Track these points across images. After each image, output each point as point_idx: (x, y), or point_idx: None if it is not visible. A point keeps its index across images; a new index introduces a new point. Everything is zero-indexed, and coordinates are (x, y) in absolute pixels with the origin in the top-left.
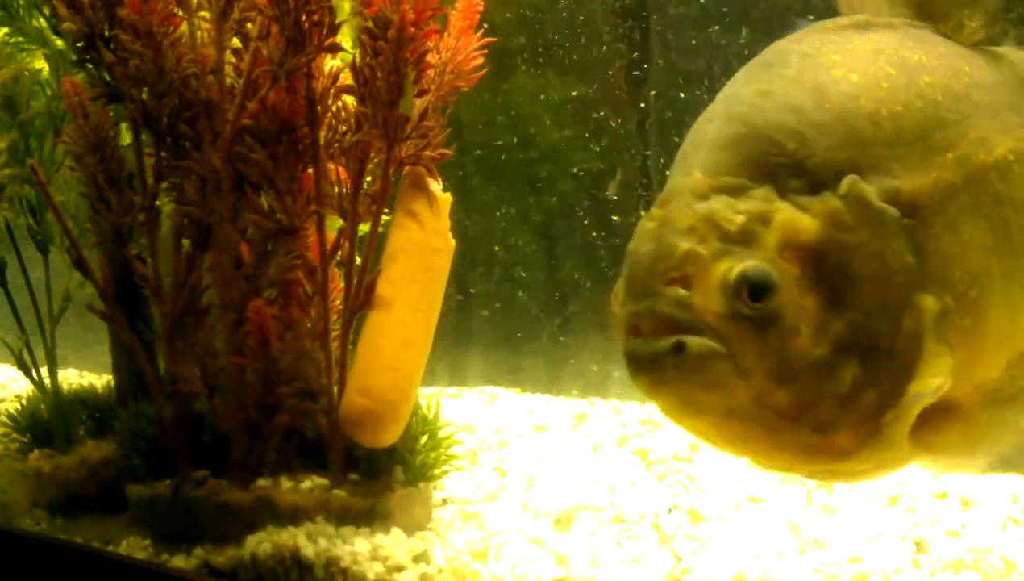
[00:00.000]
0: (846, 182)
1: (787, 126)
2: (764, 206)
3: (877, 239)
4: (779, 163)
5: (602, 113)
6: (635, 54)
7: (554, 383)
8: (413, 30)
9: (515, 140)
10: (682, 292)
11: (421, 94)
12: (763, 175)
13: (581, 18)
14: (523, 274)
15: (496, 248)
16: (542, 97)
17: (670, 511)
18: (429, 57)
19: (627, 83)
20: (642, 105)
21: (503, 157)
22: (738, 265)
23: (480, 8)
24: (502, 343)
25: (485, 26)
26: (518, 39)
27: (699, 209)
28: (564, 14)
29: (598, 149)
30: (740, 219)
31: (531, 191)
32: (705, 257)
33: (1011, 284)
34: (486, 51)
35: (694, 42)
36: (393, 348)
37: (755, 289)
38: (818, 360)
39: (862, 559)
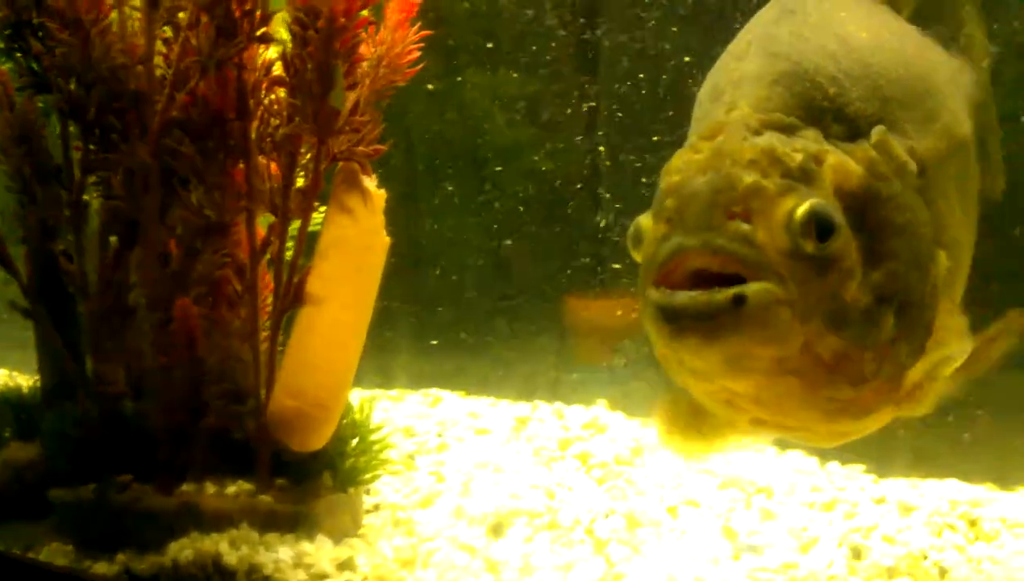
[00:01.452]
0: (876, 132)
1: (828, 71)
2: (817, 147)
3: (906, 191)
4: (824, 107)
5: (554, 111)
6: (587, 51)
7: (500, 385)
8: (343, 21)
9: (466, 137)
10: (745, 227)
11: (353, 87)
12: (811, 117)
13: (534, 13)
14: (472, 273)
15: (445, 247)
16: (494, 93)
17: (607, 516)
18: (363, 49)
19: (579, 80)
20: (593, 104)
21: (453, 154)
22: (805, 202)
23: (418, 1)
24: (448, 344)
25: (423, 20)
26: (471, 34)
27: (759, 142)
28: (518, 9)
29: (550, 147)
30: (799, 157)
31: (481, 189)
32: (771, 191)
33: (969, 255)
34: (423, 44)
35: (645, 38)
36: (323, 348)
37: (823, 228)
38: (866, 307)
39: (796, 565)
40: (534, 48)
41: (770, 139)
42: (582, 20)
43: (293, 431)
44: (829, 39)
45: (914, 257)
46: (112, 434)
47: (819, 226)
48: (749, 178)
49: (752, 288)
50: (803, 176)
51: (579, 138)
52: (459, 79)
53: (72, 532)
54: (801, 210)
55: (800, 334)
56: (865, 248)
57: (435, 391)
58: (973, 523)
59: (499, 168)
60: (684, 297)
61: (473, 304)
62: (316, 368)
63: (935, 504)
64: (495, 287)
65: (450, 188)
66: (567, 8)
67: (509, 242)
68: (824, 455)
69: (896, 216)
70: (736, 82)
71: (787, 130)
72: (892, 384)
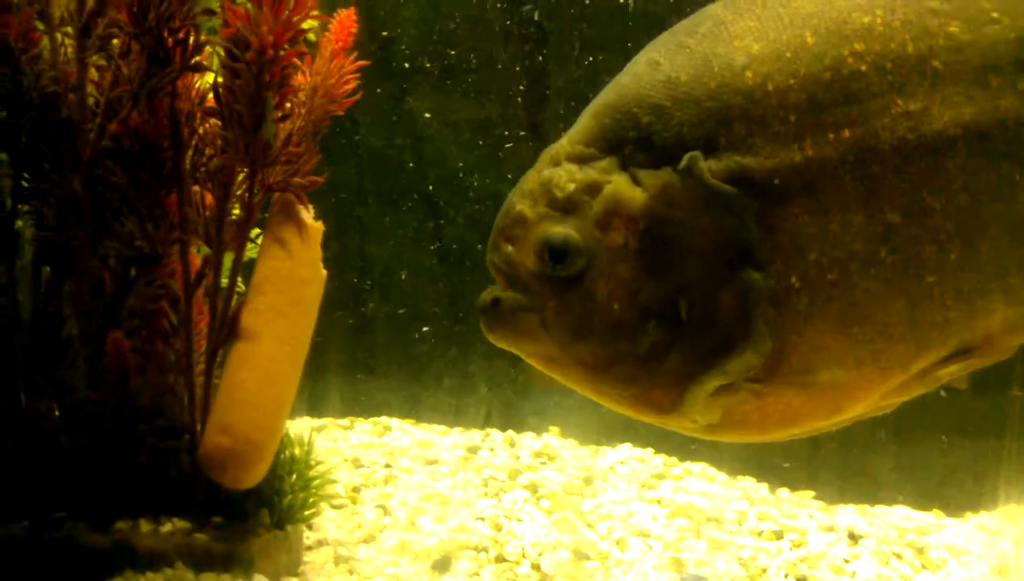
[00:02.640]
0: (685, 158)
1: (650, 100)
2: (599, 177)
3: (706, 216)
4: (629, 137)
5: (505, 135)
6: (537, 77)
7: (452, 413)
8: (272, 52)
9: (417, 162)
10: (510, 248)
11: (284, 118)
12: (613, 146)
13: (485, 39)
14: (424, 301)
15: (397, 274)
16: (445, 118)
17: (554, 549)
18: (298, 79)
19: (530, 105)
20: (542, 128)
21: (404, 179)
22: (546, 230)
23: (354, 31)
24: (401, 371)
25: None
26: (421, 60)
27: (544, 174)
28: (468, 35)
29: (503, 171)
30: (571, 187)
31: (433, 214)
32: (530, 220)
33: (914, 282)
34: (358, 75)
35: (592, 64)
36: (257, 384)
37: (555, 253)
38: (617, 321)
39: None
40: (486, 72)
41: (556, 171)
42: (533, 44)
43: (225, 469)
44: (686, 64)
45: (698, 280)
46: (46, 470)
47: (551, 251)
48: (519, 207)
49: (504, 295)
50: (568, 205)
51: (531, 161)
52: (410, 102)
53: (4, 570)
54: (536, 238)
55: (549, 338)
56: (644, 267)
57: (385, 419)
58: (920, 551)
59: (451, 192)
60: (483, 293)
61: (427, 331)
62: (249, 404)
63: (883, 532)
64: (449, 313)
65: (402, 213)
66: (519, 34)
67: (463, 268)
68: (775, 482)
69: (680, 241)
70: (585, 111)
71: (583, 161)
72: (678, 388)
